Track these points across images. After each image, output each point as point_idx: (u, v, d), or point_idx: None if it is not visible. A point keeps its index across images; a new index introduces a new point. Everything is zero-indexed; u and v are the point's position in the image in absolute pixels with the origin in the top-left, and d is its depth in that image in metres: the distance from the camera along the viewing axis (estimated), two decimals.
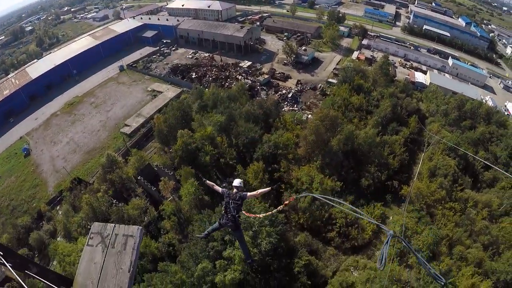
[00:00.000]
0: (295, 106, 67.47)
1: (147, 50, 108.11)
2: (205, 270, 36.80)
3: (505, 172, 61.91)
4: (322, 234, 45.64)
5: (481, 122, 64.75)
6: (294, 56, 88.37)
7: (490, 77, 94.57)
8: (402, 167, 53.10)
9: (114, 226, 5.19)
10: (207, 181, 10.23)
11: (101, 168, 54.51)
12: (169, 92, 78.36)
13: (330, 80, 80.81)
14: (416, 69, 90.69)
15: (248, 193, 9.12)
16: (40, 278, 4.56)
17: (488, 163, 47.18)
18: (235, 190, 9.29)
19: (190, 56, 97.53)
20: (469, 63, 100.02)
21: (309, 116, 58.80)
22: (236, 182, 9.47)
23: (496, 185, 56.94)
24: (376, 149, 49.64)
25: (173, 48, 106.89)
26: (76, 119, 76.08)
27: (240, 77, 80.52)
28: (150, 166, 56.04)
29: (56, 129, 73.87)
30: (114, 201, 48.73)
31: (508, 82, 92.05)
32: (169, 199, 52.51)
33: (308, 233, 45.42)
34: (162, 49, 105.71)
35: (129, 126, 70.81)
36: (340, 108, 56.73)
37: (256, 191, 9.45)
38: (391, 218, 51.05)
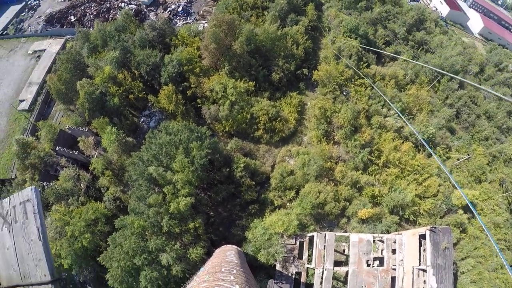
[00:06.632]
0: (188, 18, 64.41)
1: (13, 10, 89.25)
2: (157, 202, 37.24)
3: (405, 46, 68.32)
4: (250, 135, 48.09)
5: (376, 2, 68.04)
6: None
7: None
8: (308, 54, 55.53)
9: (9, 198, 4.42)
10: None
11: (16, 158, 49.99)
12: (53, 46, 68.25)
13: None
14: None
15: None
16: None
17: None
18: None
19: (62, 0, 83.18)
20: None
21: (205, 25, 56.23)
22: None
23: (399, 58, 63.07)
24: (279, 42, 50.44)
25: None
26: None
27: (122, 4, 72.80)
28: (63, 131, 51.93)
29: None
30: (44, 183, 45.53)
31: None
32: (95, 155, 50.42)
33: (237, 138, 47.34)
34: (28, 2, 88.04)
35: (24, 100, 62.94)
36: (235, 10, 54.72)
37: None
38: (309, 104, 54.96)
